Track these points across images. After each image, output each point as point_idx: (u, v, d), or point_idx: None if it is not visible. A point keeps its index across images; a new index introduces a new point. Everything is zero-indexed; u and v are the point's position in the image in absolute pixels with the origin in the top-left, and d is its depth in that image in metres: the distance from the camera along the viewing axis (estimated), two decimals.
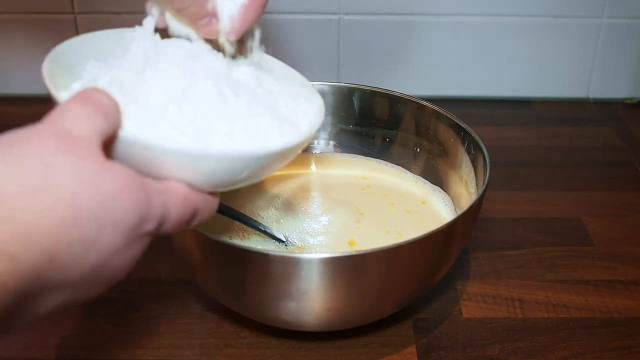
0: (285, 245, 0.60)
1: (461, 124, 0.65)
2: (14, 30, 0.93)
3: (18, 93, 0.97)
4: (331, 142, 0.73)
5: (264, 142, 0.43)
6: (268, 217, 0.63)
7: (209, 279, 0.56)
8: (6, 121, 0.93)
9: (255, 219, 0.61)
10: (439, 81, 0.96)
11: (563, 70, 0.96)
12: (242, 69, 0.48)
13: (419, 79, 0.96)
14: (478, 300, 0.63)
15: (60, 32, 0.93)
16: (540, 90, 0.97)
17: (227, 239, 0.59)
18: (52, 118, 0.36)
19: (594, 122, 0.93)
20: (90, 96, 0.37)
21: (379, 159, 0.72)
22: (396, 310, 0.59)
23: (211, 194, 0.43)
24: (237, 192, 0.66)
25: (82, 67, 0.45)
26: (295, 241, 0.60)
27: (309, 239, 0.61)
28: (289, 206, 0.65)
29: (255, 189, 0.67)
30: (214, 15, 0.47)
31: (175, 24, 0.48)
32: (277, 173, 0.70)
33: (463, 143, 0.65)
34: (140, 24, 0.46)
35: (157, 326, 0.60)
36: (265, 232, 0.60)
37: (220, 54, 0.48)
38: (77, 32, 0.92)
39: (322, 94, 0.71)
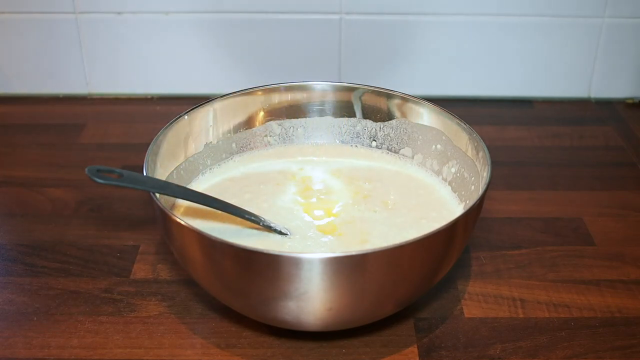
0: (288, 236, 0.60)
1: (462, 124, 0.65)
2: (14, 30, 0.93)
3: (18, 93, 0.97)
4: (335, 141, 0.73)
5: None
6: (270, 212, 0.63)
7: (209, 279, 0.56)
8: (6, 121, 0.93)
9: (260, 213, 0.61)
10: (440, 81, 0.96)
11: (564, 69, 0.95)
12: None
13: (420, 78, 0.96)
14: (479, 300, 0.63)
15: (61, 32, 0.93)
16: (542, 89, 0.97)
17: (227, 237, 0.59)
18: None
19: (596, 121, 0.93)
20: None
21: (379, 159, 0.72)
22: (397, 310, 0.59)
23: None
24: (239, 189, 0.66)
25: None
26: (296, 235, 0.60)
27: (312, 231, 0.61)
28: (292, 199, 0.65)
29: (256, 186, 0.67)
30: None
31: None
32: (277, 170, 0.70)
33: (464, 142, 0.65)
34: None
35: (157, 326, 0.60)
36: (267, 227, 0.60)
37: None
38: (78, 32, 0.93)
39: (324, 93, 0.72)
